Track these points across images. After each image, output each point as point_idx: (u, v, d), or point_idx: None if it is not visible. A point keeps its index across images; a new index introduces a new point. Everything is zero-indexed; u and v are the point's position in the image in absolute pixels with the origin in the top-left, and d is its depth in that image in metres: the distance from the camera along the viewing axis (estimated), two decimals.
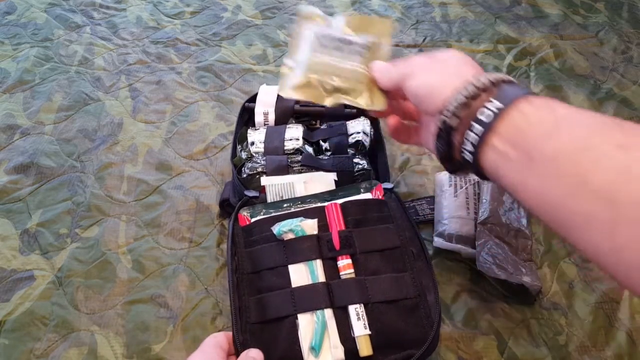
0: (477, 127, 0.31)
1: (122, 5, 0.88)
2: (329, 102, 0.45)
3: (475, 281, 0.53)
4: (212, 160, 0.65)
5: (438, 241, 0.54)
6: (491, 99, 0.31)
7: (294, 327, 0.43)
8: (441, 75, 0.36)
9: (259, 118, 0.62)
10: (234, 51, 0.80)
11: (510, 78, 0.33)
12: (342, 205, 0.50)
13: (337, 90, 0.45)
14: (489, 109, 0.31)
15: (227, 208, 0.57)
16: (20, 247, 0.56)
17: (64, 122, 0.69)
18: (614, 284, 0.53)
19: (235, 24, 0.85)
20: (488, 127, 0.31)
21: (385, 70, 0.42)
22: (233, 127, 0.67)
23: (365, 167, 0.56)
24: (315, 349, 0.42)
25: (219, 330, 0.50)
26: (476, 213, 0.55)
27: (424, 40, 0.83)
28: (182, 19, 0.86)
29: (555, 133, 0.28)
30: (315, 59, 0.45)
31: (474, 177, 0.59)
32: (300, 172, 0.55)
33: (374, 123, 0.62)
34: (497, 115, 0.30)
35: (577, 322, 0.51)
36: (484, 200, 0.54)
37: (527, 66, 0.79)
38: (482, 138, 0.31)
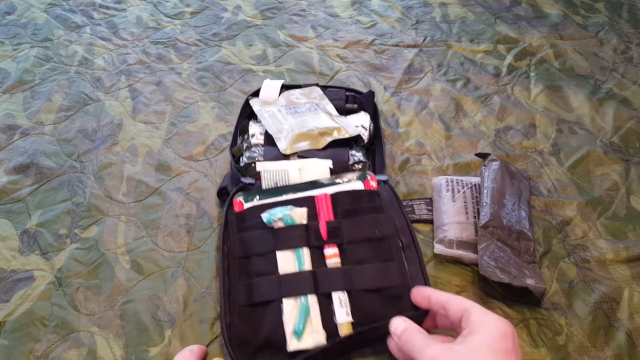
0: None
1: (122, 6, 0.88)
2: (321, 144, 0.58)
3: (475, 282, 0.53)
4: (211, 162, 0.64)
5: (439, 248, 0.54)
6: None
7: (279, 311, 0.46)
8: None
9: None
10: (234, 51, 0.80)
11: None
12: (333, 195, 0.52)
13: (322, 134, 0.58)
14: None
15: (224, 197, 0.58)
16: (20, 247, 0.56)
17: (64, 123, 0.69)
18: (614, 284, 0.53)
19: (235, 24, 0.85)
20: None
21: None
22: (233, 128, 0.68)
23: (360, 159, 0.57)
24: (298, 333, 0.44)
25: (216, 336, 0.50)
26: (475, 217, 0.55)
27: (424, 40, 0.83)
28: (182, 19, 0.86)
29: None
30: (289, 122, 0.60)
31: (470, 181, 0.59)
32: None
33: (374, 118, 0.64)
34: None
35: (577, 322, 0.50)
36: (485, 204, 0.54)
37: (527, 66, 0.79)
38: None
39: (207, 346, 0.49)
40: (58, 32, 0.83)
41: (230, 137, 0.67)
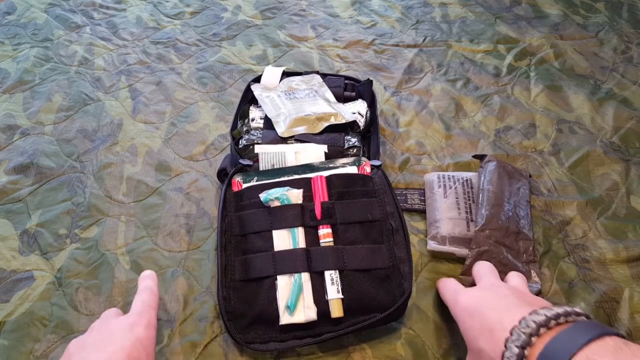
0: None
1: (122, 6, 0.88)
2: (317, 129, 0.59)
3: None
4: (211, 162, 0.64)
5: (432, 244, 0.54)
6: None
7: (273, 287, 0.48)
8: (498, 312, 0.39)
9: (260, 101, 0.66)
10: (234, 52, 0.80)
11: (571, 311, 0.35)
12: (328, 178, 0.54)
13: (319, 119, 0.60)
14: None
15: (224, 178, 0.59)
16: (19, 247, 0.56)
17: (64, 123, 0.69)
18: (614, 284, 0.53)
19: (235, 24, 0.85)
20: None
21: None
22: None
23: (355, 144, 0.59)
24: (290, 308, 0.46)
25: (216, 335, 0.50)
26: (467, 212, 0.55)
27: (424, 40, 0.83)
28: (182, 19, 0.86)
29: None
30: (288, 107, 0.61)
31: (462, 176, 0.59)
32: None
33: (371, 106, 0.65)
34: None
35: None
36: (481, 206, 0.54)
37: (527, 66, 0.79)
38: None
39: (206, 345, 0.49)
40: (58, 32, 0.83)
41: (229, 137, 0.67)
